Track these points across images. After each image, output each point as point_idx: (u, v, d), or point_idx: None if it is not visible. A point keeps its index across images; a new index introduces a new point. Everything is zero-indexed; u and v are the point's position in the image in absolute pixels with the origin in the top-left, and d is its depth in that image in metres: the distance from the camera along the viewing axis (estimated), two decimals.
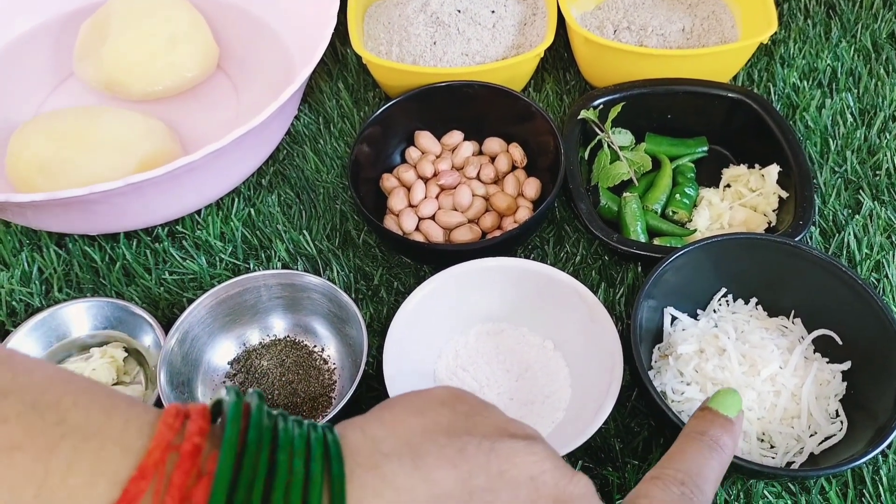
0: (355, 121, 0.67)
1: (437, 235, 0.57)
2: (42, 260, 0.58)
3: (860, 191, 0.60)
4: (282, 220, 0.60)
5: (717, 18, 0.68)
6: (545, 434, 0.47)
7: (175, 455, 0.23)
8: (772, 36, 0.65)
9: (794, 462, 0.45)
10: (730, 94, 0.61)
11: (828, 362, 0.48)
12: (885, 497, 0.45)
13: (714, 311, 0.51)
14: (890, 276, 0.55)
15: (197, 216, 0.60)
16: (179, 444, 0.23)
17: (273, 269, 0.56)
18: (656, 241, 0.57)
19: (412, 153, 0.62)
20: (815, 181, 0.60)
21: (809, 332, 0.49)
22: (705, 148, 0.63)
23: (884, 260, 0.55)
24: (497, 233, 0.57)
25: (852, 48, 0.70)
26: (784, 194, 0.58)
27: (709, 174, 0.62)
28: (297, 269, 0.57)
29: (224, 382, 0.51)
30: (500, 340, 0.52)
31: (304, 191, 0.62)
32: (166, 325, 0.51)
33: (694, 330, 0.49)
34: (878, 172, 0.61)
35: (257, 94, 0.69)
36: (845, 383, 0.47)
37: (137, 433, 0.23)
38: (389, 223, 0.58)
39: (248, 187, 0.63)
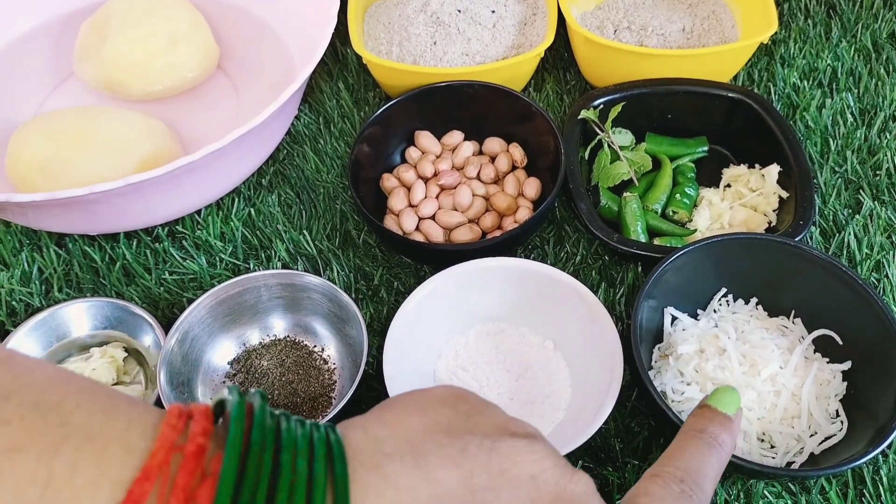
0: (355, 121, 0.67)
1: (437, 235, 0.57)
2: (42, 260, 0.58)
3: (860, 191, 0.60)
4: (282, 220, 0.60)
5: (718, 18, 0.68)
6: (545, 434, 0.47)
7: (179, 456, 0.23)
8: (772, 36, 0.65)
9: (794, 462, 0.45)
10: (730, 94, 0.61)
11: (828, 362, 0.48)
12: (885, 497, 0.45)
13: (714, 311, 0.51)
14: (890, 276, 0.55)
15: (197, 216, 0.60)
16: (183, 445, 0.23)
17: (273, 269, 0.56)
18: (656, 241, 0.57)
19: (412, 153, 0.62)
20: (815, 181, 0.60)
21: (809, 332, 0.49)
22: (705, 148, 0.63)
23: (884, 260, 0.55)
24: (497, 233, 0.57)
25: (852, 48, 0.70)
26: (784, 194, 0.58)
27: (709, 174, 0.62)
28: (297, 269, 0.57)
29: (224, 382, 0.51)
30: (500, 340, 0.52)
31: (304, 191, 0.62)
32: (166, 325, 0.51)
33: (694, 330, 0.49)
34: (878, 172, 0.61)
35: (257, 94, 0.69)
36: (845, 383, 0.47)
37: (140, 434, 0.23)
38: (389, 223, 0.58)
39: (248, 187, 0.63)
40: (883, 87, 0.67)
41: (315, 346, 0.53)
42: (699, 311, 0.51)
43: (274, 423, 0.25)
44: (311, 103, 0.68)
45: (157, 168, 0.50)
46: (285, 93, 0.55)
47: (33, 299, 0.56)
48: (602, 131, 0.61)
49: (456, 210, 0.58)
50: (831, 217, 0.58)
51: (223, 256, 0.58)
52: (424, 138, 0.62)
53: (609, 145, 0.60)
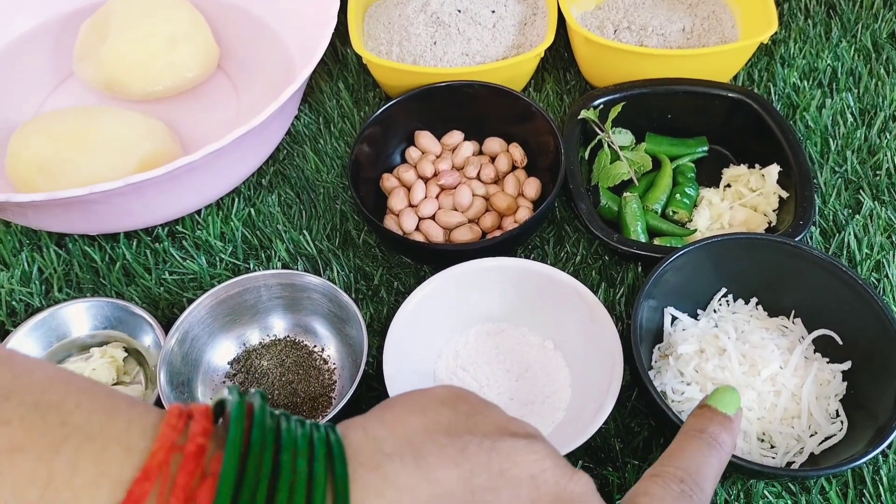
0: (355, 121, 0.67)
1: (437, 235, 0.57)
2: (42, 260, 0.58)
3: (860, 191, 0.60)
4: (282, 220, 0.60)
5: (718, 18, 0.68)
6: (545, 434, 0.47)
7: (179, 456, 0.23)
8: (772, 36, 0.65)
9: (794, 462, 0.45)
10: (730, 94, 0.61)
11: (828, 362, 0.48)
12: (885, 497, 0.45)
13: (714, 311, 0.51)
14: (890, 276, 0.55)
15: (197, 216, 0.60)
16: (183, 445, 0.23)
17: (273, 269, 0.56)
18: (656, 241, 0.57)
19: (412, 153, 0.62)
20: (815, 181, 0.60)
21: (809, 332, 0.49)
22: (705, 148, 0.63)
23: (884, 260, 0.55)
24: (497, 233, 0.57)
25: (852, 48, 0.70)
26: (784, 194, 0.58)
27: (709, 174, 0.62)
28: (297, 269, 0.57)
29: (224, 382, 0.51)
30: (500, 340, 0.52)
31: (304, 191, 0.62)
32: (166, 325, 0.51)
33: (694, 330, 0.49)
34: (878, 172, 0.61)
35: (257, 94, 0.69)
36: (845, 383, 0.47)
37: (140, 434, 0.23)
38: (389, 223, 0.58)
39: (248, 187, 0.63)
40: (883, 87, 0.67)
41: (315, 346, 0.53)
42: (699, 311, 0.51)
43: (274, 423, 0.25)
44: (311, 103, 0.68)
45: (157, 168, 0.50)
46: (285, 93, 0.55)
47: (33, 299, 0.56)
48: (602, 131, 0.61)
49: (456, 210, 0.58)
50: (831, 217, 0.58)
51: (223, 256, 0.58)
52: (424, 138, 0.62)
53: (609, 145, 0.60)
